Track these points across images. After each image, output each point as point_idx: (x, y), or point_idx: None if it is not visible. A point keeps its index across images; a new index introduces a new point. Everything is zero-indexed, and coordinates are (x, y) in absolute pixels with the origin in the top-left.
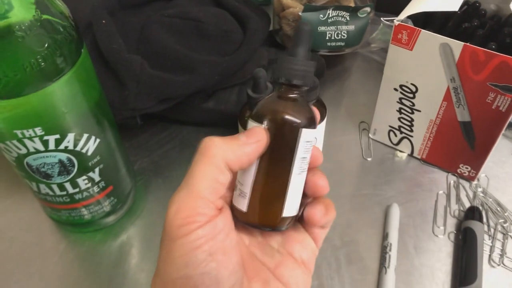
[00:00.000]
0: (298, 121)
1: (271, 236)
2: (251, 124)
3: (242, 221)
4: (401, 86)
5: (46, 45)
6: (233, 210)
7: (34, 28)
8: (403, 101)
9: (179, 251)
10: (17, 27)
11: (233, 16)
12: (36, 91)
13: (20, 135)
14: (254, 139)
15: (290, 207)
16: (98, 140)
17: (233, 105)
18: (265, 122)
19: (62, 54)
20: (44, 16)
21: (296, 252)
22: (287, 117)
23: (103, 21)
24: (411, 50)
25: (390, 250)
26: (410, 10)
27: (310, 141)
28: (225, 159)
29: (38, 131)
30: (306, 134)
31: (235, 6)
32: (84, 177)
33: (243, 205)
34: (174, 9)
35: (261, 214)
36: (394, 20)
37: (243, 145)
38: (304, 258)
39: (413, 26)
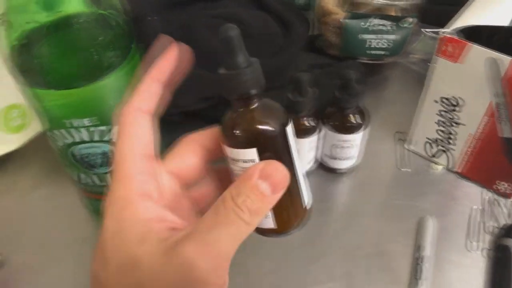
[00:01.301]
0: (280, 123)
1: None
2: (243, 153)
3: (274, 236)
4: (442, 98)
5: (101, 39)
6: (260, 231)
7: (91, 21)
8: (443, 113)
9: None
10: (75, 19)
11: (275, 19)
12: (88, 83)
13: (68, 125)
14: (283, 185)
15: (307, 196)
16: None
17: None
18: (254, 143)
19: (115, 48)
20: (101, 11)
21: None
22: (268, 126)
23: (149, 18)
24: (456, 62)
25: (422, 262)
26: (458, 22)
27: (292, 132)
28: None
29: (87, 122)
30: (290, 129)
31: (278, 10)
32: None
33: (269, 224)
34: (218, 10)
35: (290, 219)
36: (440, 32)
37: (272, 201)
38: None
39: (459, 39)
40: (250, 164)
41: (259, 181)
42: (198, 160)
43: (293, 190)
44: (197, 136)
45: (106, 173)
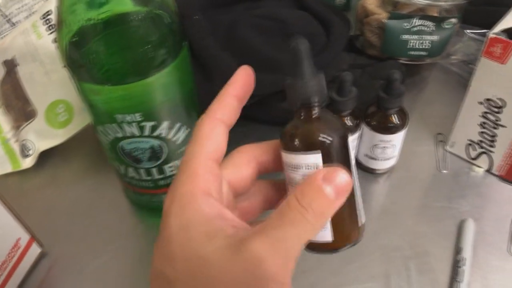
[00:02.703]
0: (343, 132)
1: None
2: (307, 157)
3: (325, 252)
4: (487, 100)
5: (155, 37)
6: (314, 247)
7: (147, 20)
8: (487, 115)
9: None
10: (133, 16)
11: (317, 19)
12: (142, 79)
13: (120, 119)
14: (346, 191)
15: (362, 213)
16: (188, 130)
17: None
18: (319, 147)
19: (168, 46)
20: (156, 10)
21: None
22: (333, 133)
23: (195, 17)
24: (504, 64)
25: (463, 265)
26: (504, 24)
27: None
28: None
29: (138, 116)
30: (349, 139)
31: (320, 10)
32: (171, 164)
33: (327, 236)
34: (261, 10)
35: (347, 234)
36: (489, 33)
37: (336, 206)
38: None
39: (509, 40)
40: (313, 169)
41: (324, 184)
42: (251, 172)
43: (351, 202)
44: (252, 148)
45: (152, 167)
